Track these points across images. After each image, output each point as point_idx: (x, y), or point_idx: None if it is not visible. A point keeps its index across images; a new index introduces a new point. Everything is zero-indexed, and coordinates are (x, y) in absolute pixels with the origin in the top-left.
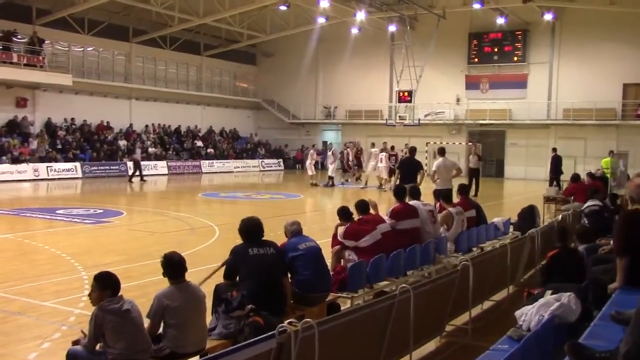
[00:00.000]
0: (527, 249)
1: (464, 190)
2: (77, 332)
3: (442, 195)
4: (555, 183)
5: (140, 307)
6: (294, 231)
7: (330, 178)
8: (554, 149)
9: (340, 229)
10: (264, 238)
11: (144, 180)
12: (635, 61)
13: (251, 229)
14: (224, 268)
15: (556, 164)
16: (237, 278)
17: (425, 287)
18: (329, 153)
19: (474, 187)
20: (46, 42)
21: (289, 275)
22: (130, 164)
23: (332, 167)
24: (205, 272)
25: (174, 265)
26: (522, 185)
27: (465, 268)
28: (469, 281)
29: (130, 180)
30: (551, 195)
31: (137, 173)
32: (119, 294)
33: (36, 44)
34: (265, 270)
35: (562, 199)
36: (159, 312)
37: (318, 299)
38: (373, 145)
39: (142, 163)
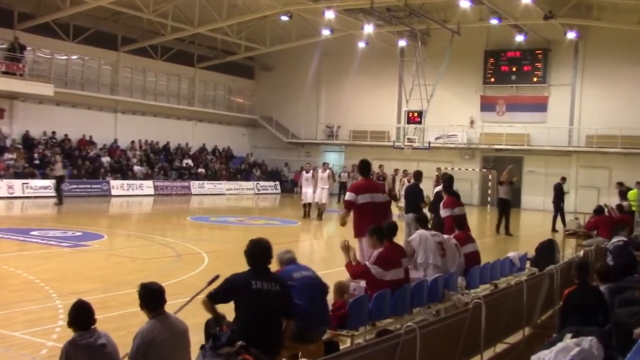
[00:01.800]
0: (545, 287)
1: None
2: None
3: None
4: (556, 215)
5: (118, 341)
6: (289, 259)
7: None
8: (562, 178)
9: (371, 251)
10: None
11: (60, 203)
12: None
13: (260, 253)
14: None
15: (558, 193)
16: (233, 310)
17: (433, 326)
18: (323, 174)
19: (501, 221)
20: (28, 48)
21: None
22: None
23: (324, 193)
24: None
25: (154, 295)
26: (540, 217)
27: (477, 307)
28: (480, 321)
29: (59, 202)
30: (572, 229)
31: (58, 192)
32: (94, 326)
33: (17, 50)
34: (265, 309)
35: (584, 233)
36: (142, 349)
37: (314, 335)
38: (309, 167)
39: (127, 182)
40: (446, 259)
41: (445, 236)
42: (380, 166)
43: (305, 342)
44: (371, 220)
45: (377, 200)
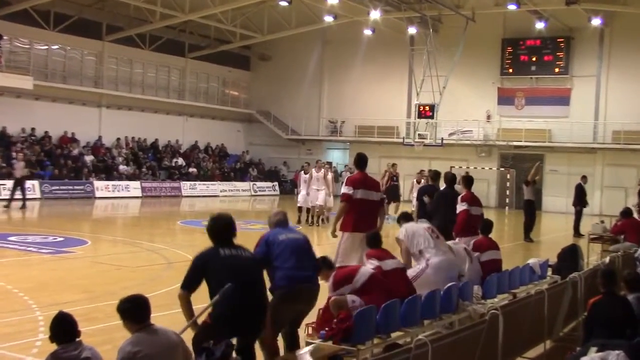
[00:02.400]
0: (568, 297)
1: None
2: None
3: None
4: (577, 217)
5: (104, 356)
6: (278, 222)
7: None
8: (582, 177)
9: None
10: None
11: (25, 207)
12: None
13: (224, 229)
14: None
15: (579, 194)
16: (209, 290)
17: (446, 339)
18: (317, 174)
19: (532, 225)
20: (4, 38)
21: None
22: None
23: (320, 195)
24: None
25: (138, 306)
26: (563, 220)
27: (494, 318)
28: (498, 334)
29: (8, 206)
30: (597, 233)
31: (19, 195)
32: (78, 338)
33: None
34: (241, 274)
35: (610, 237)
36: None
37: (304, 295)
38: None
39: (112, 183)
40: (439, 240)
41: (451, 242)
42: (393, 165)
43: (296, 303)
44: (360, 217)
45: (371, 198)
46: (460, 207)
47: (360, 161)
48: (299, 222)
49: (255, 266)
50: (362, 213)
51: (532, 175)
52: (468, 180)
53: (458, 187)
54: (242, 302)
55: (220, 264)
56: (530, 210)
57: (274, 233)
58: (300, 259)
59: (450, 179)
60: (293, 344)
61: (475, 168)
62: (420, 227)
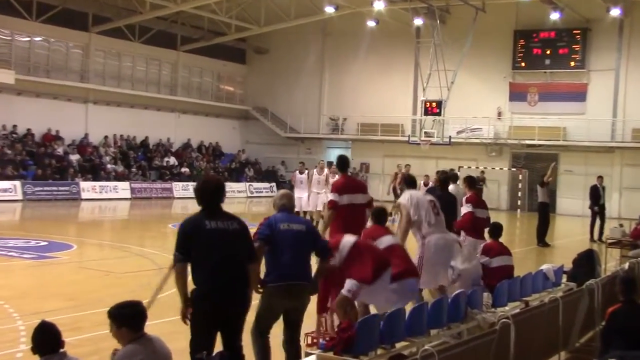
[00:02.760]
0: (585, 305)
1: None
2: None
3: None
4: (594, 220)
5: None
6: (282, 206)
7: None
8: (599, 177)
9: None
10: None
11: None
12: None
13: (214, 191)
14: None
15: (595, 195)
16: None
17: (454, 350)
18: (320, 176)
19: (546, 229)
20: None
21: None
22: None
23: (320, 199)
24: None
25: (138, 313)
26: (579, 223)
27: (505, 327)
28: (509, 345)
29: None
30: (616, 237)
31: None
32: (62, 349)
33: None
34: (225, 250)
35: (629, 242)
36: None
37: (293, 292)
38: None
39: (99, 184)
40: (440, 217)
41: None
42: (406, 165)
43: (285, 299)
44: (348, 223)
45: (357, 201)
46: (465, 209)
47: (343, 164)
48: None
49: (240, 239)
50: (349, 218)
51: (548, 176)
52: (471, 181)
53: (453, 188)
54: (222, 276)
55: (205, 237)
56: (544, 213)
57: (277, 219)
58: (295, 254)
59: (443, 180)
60: (295, 355)
61: (485, 168)
62: (425, 199)
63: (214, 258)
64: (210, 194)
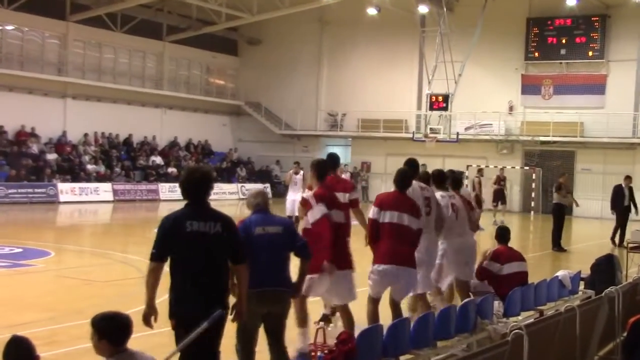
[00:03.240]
0: (604, 315)
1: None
2: None
3: None
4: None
5: None
6: (256, 206)
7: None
8: (626, 178)
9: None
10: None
11: None
12: None
13: (201, 182)
14: None
15: (616, 197)
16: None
17: None
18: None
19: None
20: None
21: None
22: None
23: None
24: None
25: (122, 327)
26: (598, 226)
27: (518, 339)
28: (522, 357)
29: None
30: (637, 242)
31: None
32: None
33: None
34: (202, 250)
35: None
36: None
37: (269, 297)
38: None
39: (79, 185)
40: (430, 217)
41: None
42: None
43: (261, 306)
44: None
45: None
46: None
47: (321, 170)
48: None
49: (221, 244)
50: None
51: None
52: (456, 182)
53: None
54: (196, 284)
55: (184, 239)
56: (560, 215)
57: (252, 222)
58: (271, 259)
59: (425, 178)
60: None
61: (495, 167)
62: (420, 194)
63: (190, 263)
64: (195, 186)
